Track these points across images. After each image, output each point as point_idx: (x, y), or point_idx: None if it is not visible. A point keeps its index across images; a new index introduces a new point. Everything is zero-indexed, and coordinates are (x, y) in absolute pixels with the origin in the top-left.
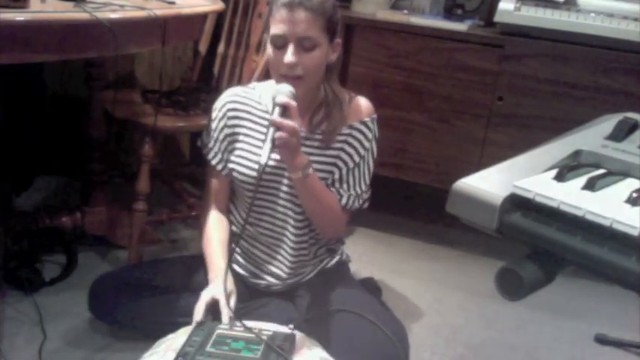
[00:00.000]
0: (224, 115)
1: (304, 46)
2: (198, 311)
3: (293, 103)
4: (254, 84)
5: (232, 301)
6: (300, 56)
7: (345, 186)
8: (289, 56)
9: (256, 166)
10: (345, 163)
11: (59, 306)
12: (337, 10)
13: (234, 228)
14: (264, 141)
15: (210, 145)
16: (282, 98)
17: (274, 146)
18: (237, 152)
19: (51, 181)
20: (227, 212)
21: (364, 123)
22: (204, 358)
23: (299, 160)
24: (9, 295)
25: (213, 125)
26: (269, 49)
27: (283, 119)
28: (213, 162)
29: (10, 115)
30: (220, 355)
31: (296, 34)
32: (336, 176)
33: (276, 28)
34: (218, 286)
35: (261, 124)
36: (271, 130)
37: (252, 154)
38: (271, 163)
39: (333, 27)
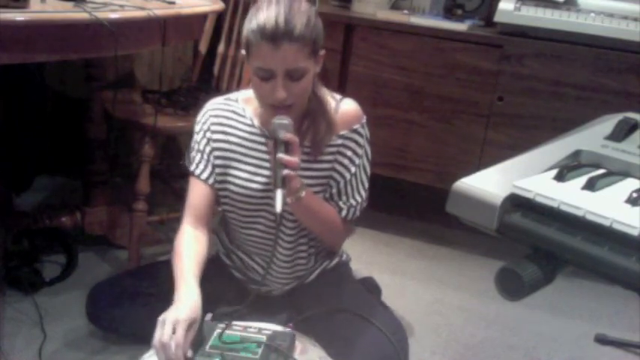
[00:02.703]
0: (208, 128)
1: (293, 76)
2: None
3: (296, 139)
4: (236, 95)
5: (191, 334)
6: (289, 87)
7: (344, 198)
8: (279, 92)
9: (251, 185)
10: (342, 175)
11: (59, 306)
12: (319, 24)
13: (221, 249)
14: (264, 167)
15: (193, 155)
16: (286, 135)
17: (284, 185)
18: (229, 170)
19: (51, 181)
20: (208, 229)
21: (355, 131)
22: (203, 358)
23: (293, 186)
24: (9, 295)
25: (198, 138)
26: (253, 77)
27: (290, 157)
28: (197, 171)
29: (10, 114)
30: (219, 355)
31: (283, 67)
32: (334, 190)
33: (261, 62)
34: (178, 312)
35: (248, 140)
36: (279, 169)
37: (243, 172)
38: (262, 180)
39: (318, 47)
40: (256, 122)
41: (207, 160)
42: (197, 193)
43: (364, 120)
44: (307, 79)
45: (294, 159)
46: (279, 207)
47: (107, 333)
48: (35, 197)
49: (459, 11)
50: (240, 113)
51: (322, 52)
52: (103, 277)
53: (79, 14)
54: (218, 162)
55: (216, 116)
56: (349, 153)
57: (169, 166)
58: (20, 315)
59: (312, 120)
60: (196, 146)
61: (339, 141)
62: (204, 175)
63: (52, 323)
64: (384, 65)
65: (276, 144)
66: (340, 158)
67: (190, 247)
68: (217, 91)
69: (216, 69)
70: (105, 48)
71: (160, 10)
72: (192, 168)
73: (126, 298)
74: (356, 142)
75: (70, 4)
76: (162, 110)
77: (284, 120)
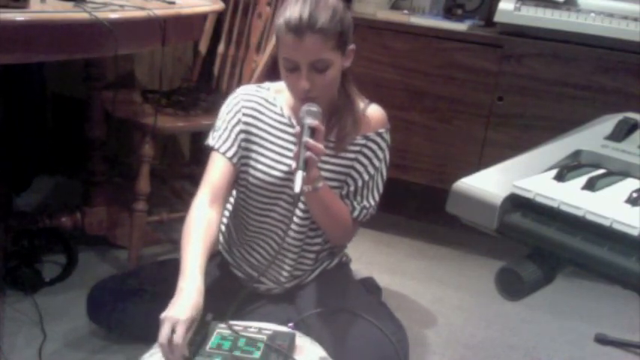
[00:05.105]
0: (239, 110)
1: (317, 68)
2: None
3: (321, 127)
4: (268, 84)
5: (189, 334)
6: (314, 78)
7: (358, 198)
8: (303, 83)
9: (272, 172)
10: (360, 175)
11: (59, 306)
12: (348, 18)
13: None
14: (288, 156)
15: (220, 133)
16: (312, 121)
17: (305, 168)
18: (252, 155)
19: (51, 181)
20: (222, 209)
21: (379, 134)
22: (204, 358)
23: (312, 175)
24: (9, 295)
25: (228, 117)
26: (281, 69)
27: (315, 142)
28: (223, 148)
29: (10, 115)
30: (220, 355)
31: (307, 58)
32: (351, 188)
33: (286, 53)
34: (179, 312)
35: (275, 127)
36: (303, 152)
37: (266, 158)
38: (284, 168)
39: (344, 39)
40: (286, 112)
41: (235, 139)
42: (218, 170)
43: (389, 127)
44: (332, 71)
45: (318, 145)
46: (297, 187)
47: (108, 332)
48: (35, 197)
49: (459, 11)
50: (270, 101)
51: (352, 47)
52: (103, 277)
53: (79, 14)
54: (243, 144)
55: (248, 100)
56: (370, 154)
57: (169, 166)
58: (20, 315)
59: (340, 115)
60: (224, 125)
61: (363, 141)
62: (230, 153)
63: (52, 323)
64: (384, 65)
65: (303, 129)
66: (361, 158)
67: (201, 230)
68: (217, 91)
69: (216, 69)
70: (105, 48)
71: (160, 10)
72: (217, 145)
73: (126, 297)
74: (378, 145)
75: (70, 4)
76: (162, 110)
77: (313, 107)
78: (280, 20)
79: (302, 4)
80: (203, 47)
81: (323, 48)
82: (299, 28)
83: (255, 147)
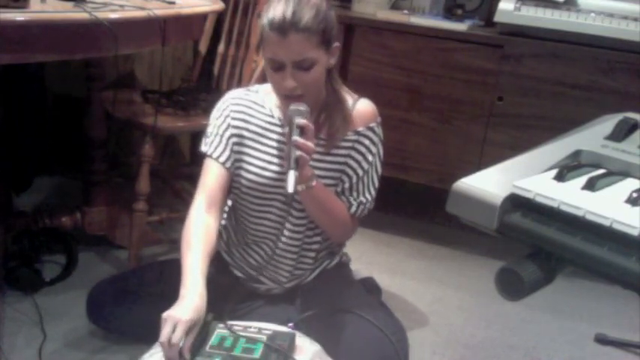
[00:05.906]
0: (228, 115)
1: (302, 66)
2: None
3: (310, 126)
4: (256, 86)
5: (192, 336)
6: (299, 77)
7: (354, 194)
8: (288, 81)
9: (265, 173)
10: (355, 171)
11: (59, 306)
12: (331, 16)
13: (222, 240)
14: (279, 156)
15: (211, 139)
16: (301, 120)
17: (297, 167)
18: (244, 157)
19: (51, 181)
20: (220, 214)
21: (371, 128)
22: (203, 358)
23: (304, 174)
24: (9, 295)
25: (218, 122)
26: (267, 69)
27: (305, 140)
28: (215, 154)
29: (10, 115)
30: (220, 355)
31: (291, 57)
32: (346, 185)
33: (271, 53)
34: (181, 312)
35: (266, 129)
36: (293, 151)
37: (258, 159)
38: (276, 169)
39: (328, 37)
40: (276, 113)
41: (226, 144)
42: (212, 176)
43: (379, 120)
44: (317, 69)
45: (308, 143)
46: (290, 187)
47: (107, 332)
48: (35, 197)
49: (459, 11)
50: (260, 103)
51: (336, 45)
52: (103, 277)
53: (79, 14)
54: (235, 148)
55: (237, 104)
56: (363, 149)
57: (169, 166)
58: (20, 315)
59: (329, 112)
60: (215, 130)
61: (355, 137)
62: (222, 158)
63: (52, 323)
64: (384, 65)
65: (292, 128)
66: (354, 154)
67: (200, 236)
68: (217, 91)
69: (216, 69)
70: (105, 48)
71: (160, 10)
72: (210, 151)
73: (126, 298)
74: (370, 139)
75: (70, 4)
76: (162, 110)
77: (300, 107)
78: (264, 20)
79: (285, 3)
80: (203, 47)
81: (307, 46)
82: (283, 27)
83: (246, 150)
